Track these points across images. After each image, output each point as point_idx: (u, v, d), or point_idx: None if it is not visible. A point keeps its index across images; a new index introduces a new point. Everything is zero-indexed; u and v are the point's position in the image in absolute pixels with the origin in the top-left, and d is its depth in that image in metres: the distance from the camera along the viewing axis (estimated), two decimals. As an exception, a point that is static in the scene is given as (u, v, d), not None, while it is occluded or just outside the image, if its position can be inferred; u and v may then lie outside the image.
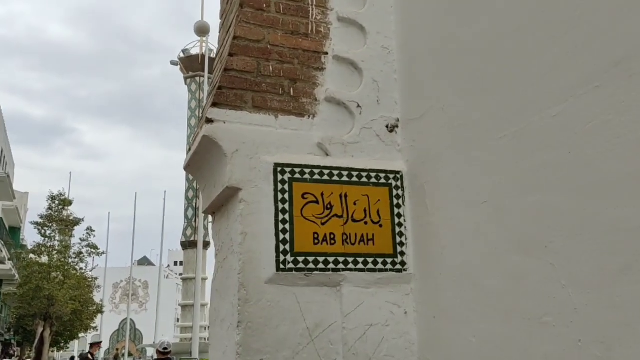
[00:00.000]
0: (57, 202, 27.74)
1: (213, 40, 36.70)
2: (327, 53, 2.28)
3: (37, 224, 27.56)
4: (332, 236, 2.08)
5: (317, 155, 2.18)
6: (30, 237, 41.09)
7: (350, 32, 2.33)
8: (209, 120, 2.08)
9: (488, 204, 1.77)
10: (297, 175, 2.11)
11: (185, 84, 42.30)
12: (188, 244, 32.23)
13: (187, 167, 2.39)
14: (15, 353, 41.95)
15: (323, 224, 2.08)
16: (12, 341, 41.25)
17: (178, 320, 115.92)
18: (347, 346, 1.97)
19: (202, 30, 29.04)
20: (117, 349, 67.58)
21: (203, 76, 32.44)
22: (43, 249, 27.65)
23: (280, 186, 2.07)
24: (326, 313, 2.01)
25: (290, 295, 1.98)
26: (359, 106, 2.29)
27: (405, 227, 2.17)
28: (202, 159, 2.25)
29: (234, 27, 2.18)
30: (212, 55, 33.72)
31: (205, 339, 36.50)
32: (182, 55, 44.36)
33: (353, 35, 2.33)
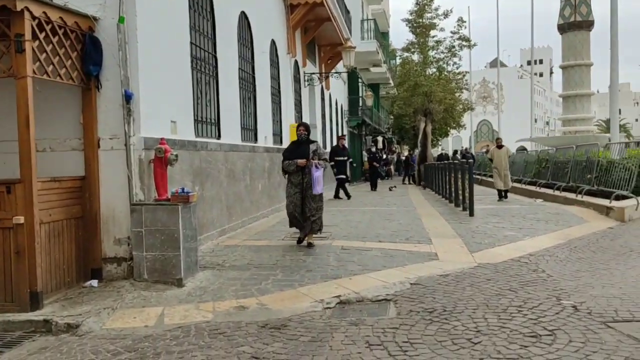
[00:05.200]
0: (422, -6, 26.48)
1: None
2: None
3: (407, 20, 27.12)
4: None
5: None
6: (395, 42, 42.27)
7: None
8: None
9: None
10: None
11: None
12: (567, 26, 27.71)
13: None
14: (396, 150, 46.43)
15: None
16: (393, 139, 45.54)
17: (535, 120, 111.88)
18: None
19: None
20: (488, 145, 69.51)
21: None
22: (416, 46, 27.43)
23: None
24: None
25: None
26: None
27: None
28: None
29: None
30: None
31: (592, 132, 32.85)
32: None
33: None
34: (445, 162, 16.65)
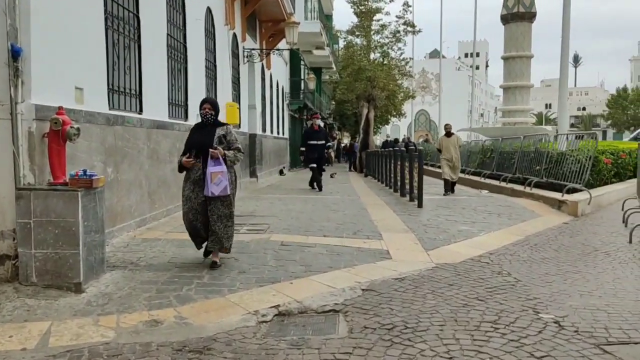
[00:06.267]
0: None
1: None
2: None
3: (352, 2, 26.25)
4: None
5: None
6: (338, 26, 41.39)
7: None
8: None
9: None
10: None
11: None
12: (510, 17, 27.60)
13: None
14: (337, 136, 45.75)
15: None
16: (334, 125, 44.79)
17: (470, 111, 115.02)
18: None
19: None
20: (427, 134, 70.46)
21: None
22: (360, 29, 26.63)
23: None
24: None
25: None
26: None
27: None
28: None
29: None
30: None
31: (529, 123, 33.30)
32: None
33: None
34: (391, 149, 15.96)
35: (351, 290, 4.79)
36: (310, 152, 13.66)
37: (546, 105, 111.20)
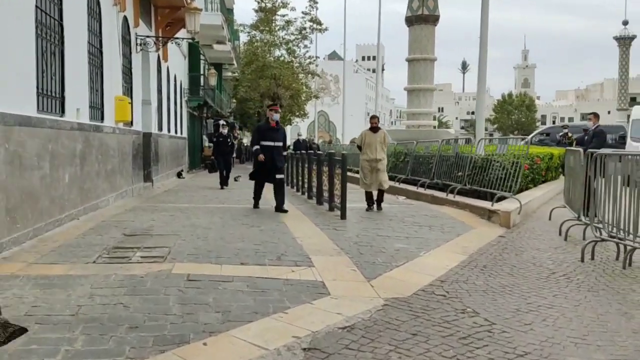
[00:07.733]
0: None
1: None
2: None
3: (256, -5, 24.88)
4: None
5: None
6: (239, 19, 39.69)
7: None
8: None
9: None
10: None
11: None
12: (414, 19, 27.55)
13: None
14: (239, 136, 43.95)
15: None
16: (235, 124, 42.95)
17: (368, 113, 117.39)
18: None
19: None
20: (330, 135, 70.53)
21: None
22: (265, 24, 25.33)
23: None
24: None
25: None
26: None
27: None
28: None
29: None
30: None
31: (434, 127, 33.65)
32: None
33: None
34: (304, 152, 14.82)
35: (289, 351, 3.52)
36: (265, 156, 9.82)
37: (439, 108, 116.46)
